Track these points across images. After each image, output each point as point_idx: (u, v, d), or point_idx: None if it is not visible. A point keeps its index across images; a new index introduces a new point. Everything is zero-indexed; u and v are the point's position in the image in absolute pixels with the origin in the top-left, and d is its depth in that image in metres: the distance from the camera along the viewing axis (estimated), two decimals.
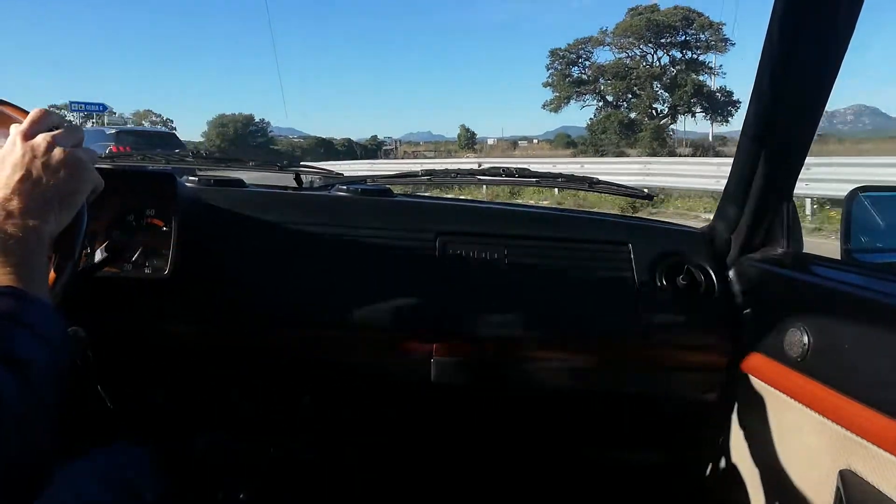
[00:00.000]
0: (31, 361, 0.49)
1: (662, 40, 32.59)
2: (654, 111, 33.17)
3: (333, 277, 1.05)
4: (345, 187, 1.21)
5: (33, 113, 0.65)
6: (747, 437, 1.09)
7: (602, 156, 25.57)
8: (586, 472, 1.29)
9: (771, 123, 1.02)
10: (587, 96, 34.87)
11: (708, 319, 1.11)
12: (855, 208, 1.12)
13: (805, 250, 1.13)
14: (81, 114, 30.05)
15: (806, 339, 0.91)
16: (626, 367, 1.12)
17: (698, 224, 1.33)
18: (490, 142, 53.83)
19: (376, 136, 53.59)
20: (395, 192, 1.25)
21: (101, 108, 29.82)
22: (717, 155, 22.37)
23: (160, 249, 0.98)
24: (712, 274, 1.13)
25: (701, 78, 32.51)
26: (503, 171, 1.30)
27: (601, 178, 1.30)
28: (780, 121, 1.01)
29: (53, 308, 0.56)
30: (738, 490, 1.10)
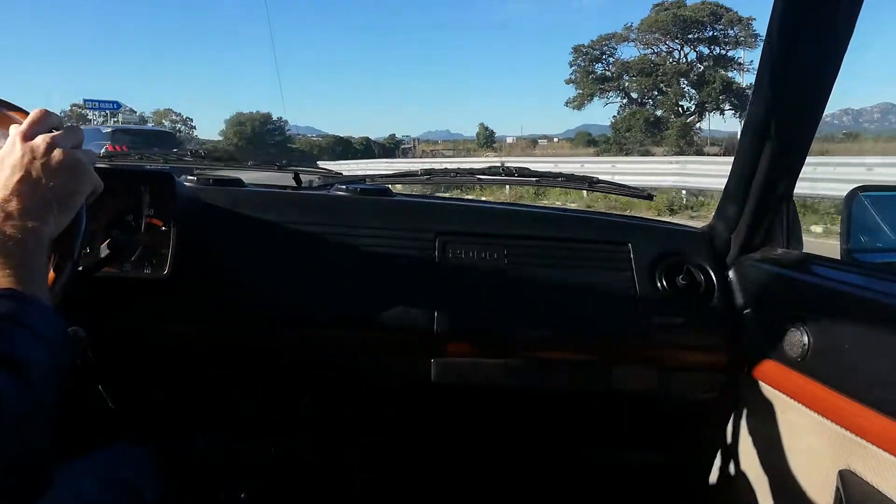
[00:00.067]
0: (31, 362, 0.49)
1: (690, 36, 31.38)
2: (680, 108, 32.01)
3: (333, 277, 1.05)
4: (344, 187, 1.21)
5: (33, 114, 0.65)
6: (747, 437, 1.09)
7: (626, 154, 24.97)
8: (586, 472, 1.29)
9: (771, 123, 1.02)
10: (611, 93, 33.76)
11: (708, 319, 1.11)
12: (855, 208, 1.12)
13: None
14: (99, 112, 29.82)
15: (806, 339, 0.91)
16: (626, 367, 1.12)
17: None
18: (509, 140, 52.80)
19: (394, 134, 52.21)
20: (395, 191, 1.25)
21: (115, 106, 29.71)
22: None
23: (159, 249, 0.98)
24: (712, 274, 1.13)
25: (730, 74, 31.23)
26: (503, 170, 1.30)
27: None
28: (780, 121, 1.01)
29: (53, 309, 0.57)
30: (737, 490, 1.10)
